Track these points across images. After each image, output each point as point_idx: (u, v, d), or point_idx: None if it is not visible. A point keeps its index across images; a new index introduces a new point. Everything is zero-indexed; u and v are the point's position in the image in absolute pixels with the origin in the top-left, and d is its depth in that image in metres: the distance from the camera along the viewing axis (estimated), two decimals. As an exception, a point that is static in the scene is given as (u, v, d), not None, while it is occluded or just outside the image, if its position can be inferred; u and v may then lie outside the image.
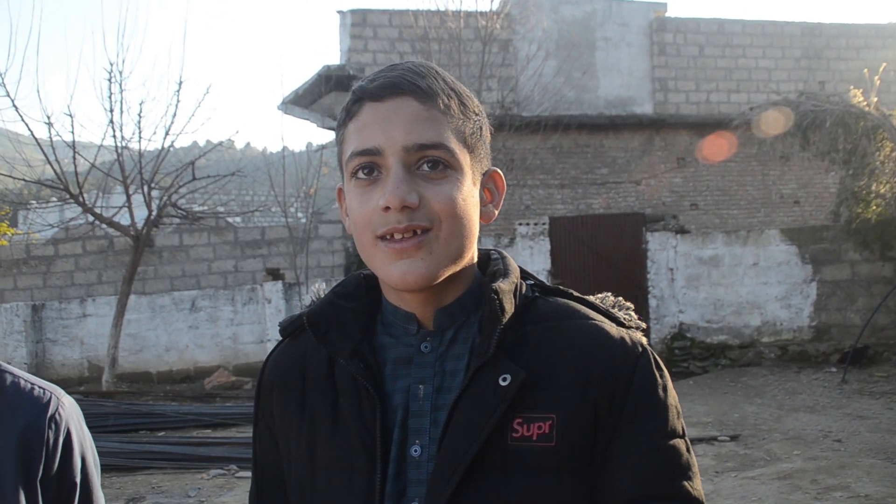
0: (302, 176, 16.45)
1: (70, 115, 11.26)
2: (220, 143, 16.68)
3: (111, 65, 11.52)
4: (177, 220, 12.96)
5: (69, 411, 1.36)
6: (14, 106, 11.12)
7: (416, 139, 0.98)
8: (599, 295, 1.16)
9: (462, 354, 1.05)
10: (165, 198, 11.60)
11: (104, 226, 12.06)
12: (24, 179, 12.63)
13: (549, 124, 15.06)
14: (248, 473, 5.48)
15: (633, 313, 1.12)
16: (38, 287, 14.65)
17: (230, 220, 16.34)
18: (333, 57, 18.88)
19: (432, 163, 1.00)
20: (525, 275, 1.13)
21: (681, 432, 1.04)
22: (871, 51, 17.63)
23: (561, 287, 1.13)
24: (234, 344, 12.36)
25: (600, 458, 1.01)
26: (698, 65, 16.98)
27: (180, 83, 11.80)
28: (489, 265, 1.13)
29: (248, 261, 14.90)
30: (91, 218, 11.67)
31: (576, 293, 1.12)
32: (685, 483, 1.01)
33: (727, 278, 12.16)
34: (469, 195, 1.03)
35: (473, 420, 0.99)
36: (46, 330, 12.33)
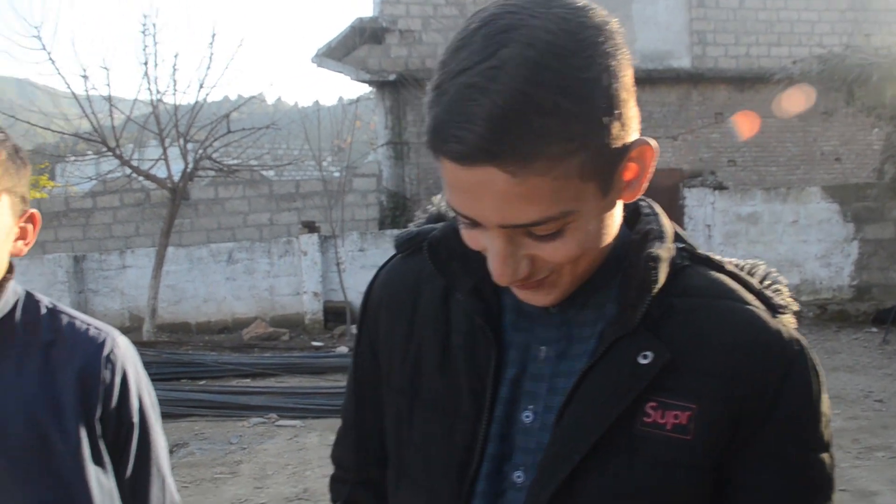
0: (336, 129, 16.42)
1: (105, 69, 11.29)
2: (254, 97, 16.67)
3: (145, 17, 11.52)
4: (212, 173, 13.03)
5: (124, 352, 1.36)
6: (51, 59, 11.19)
7: (513, 221, 0.79)
8: (748, 262, 1.01)
9: (594, 321, 0.93)
10: (201, 151, 11.64)
11: (141, 179, 12.15)
12: (61, 132, 12.75)
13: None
14: (288, 422, 5.55)
15: (784, 288, 0.98)
16: (77, 239, 14.87)
17: (264, 173, 16.41)
18: (366, 9, 18.66)
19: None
20: (675, 236, 0.97)
21: (828, 443, 0.92)
22: (920, 2, 17.08)
23: (711, 256, 0.97)
24: (270, 296, 12.48)
25: (733, 464, 0.90)
26: (738, 17, 16.55)
27: (213, 36, 11.78)
28: (639, 221, 0.97)
29: (282, 214, 14.98)
30: (128, 171, 11.76)
31: (728, 264, 0.97)
32: None
33: (766, 236, 12.00)
34: (595, 222, 0.85)
35: (604, 397, 0.88)
36: (88, 280, 12.52)
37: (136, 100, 12.00)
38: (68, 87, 11.18)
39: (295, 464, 5.85)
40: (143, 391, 1.39)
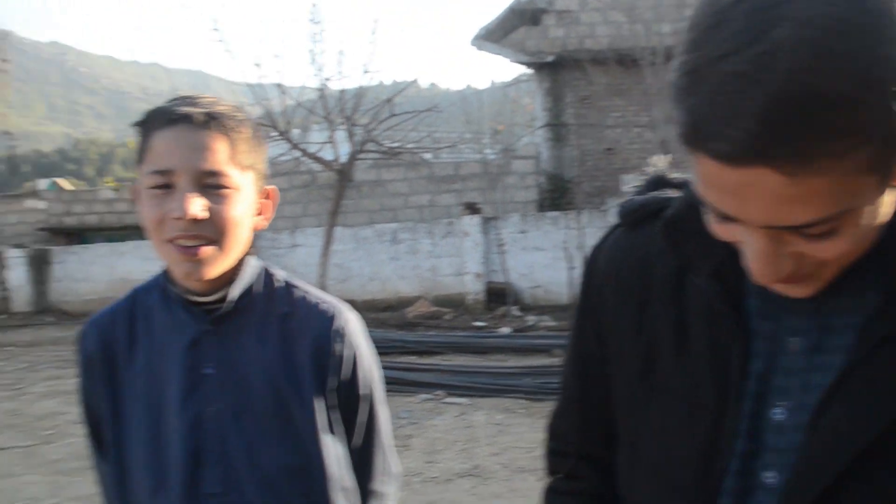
0: (493, 112, 16.46)
1: (278, 57, 11.82)
2: (410, 82, 16.98)
3: (314, 5, 11.96)
4: (375, 156, 13.39)
5: (354, 326, 1.39)
6: (229, 51, 11.86)
7: (783, 222, 0.70)
8: None
9: (852, 309, 0.82)
10: (365, 133, 11.98)
11: (307, 161, 12.65)
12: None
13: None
14: (456, 400, 5.58)
15: None
16: (252, 218, 15.73)
17: (424, 156, 16.68)
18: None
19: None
20: None
21: None
22: None
23: None
24: (433, 276, 12.72)
25: None
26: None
27: (376, 21, 12.08)
28: None
29: (442, 195, 15.19)
30: (295, 154, 12.28)
31: None
32: None
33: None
34: (871, 215, 0.74)
35: (871, 399, 0.78)
36: (261, 258, 13.13)
37: (303, 86, 12.51)
38: (242, 75, 11.77)
39: (464, 440, 5.94)
40: (371, 365, 1.43)
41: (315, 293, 1.40)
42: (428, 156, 18.67)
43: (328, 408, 1.33)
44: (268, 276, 1.37)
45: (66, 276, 14.74)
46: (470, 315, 11.87)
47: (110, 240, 16.47)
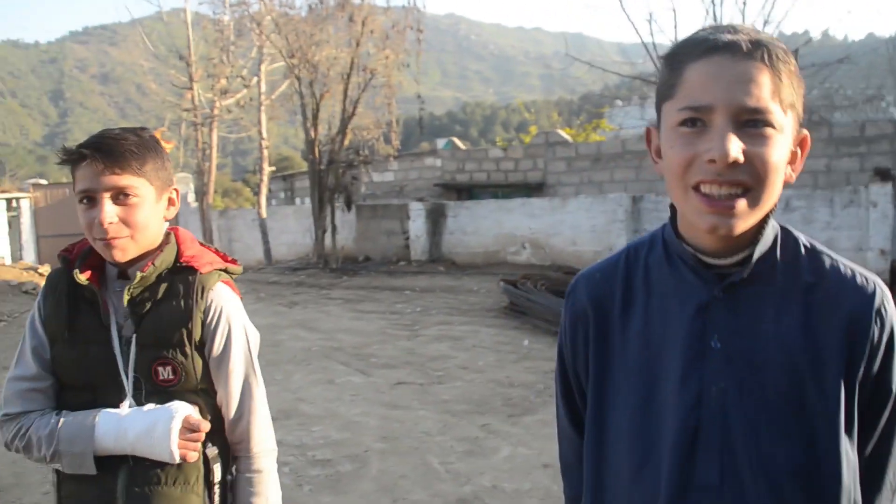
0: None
1: (673, 10, 11.40)
2: (804, 33, 15.38)
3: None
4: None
5: (892, 306, 1.14)
6: (623, 9, 11.69)
7: None
8: None
9: None
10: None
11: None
12: (618, 73, 13.34)
13: None
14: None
15: None
16: (631, 180, 15.57)
17: (823, 115, 15.13)
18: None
19: None
20: None
21: None
22: None
23: None
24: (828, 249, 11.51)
25: None
26: None
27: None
28: None
29: (842, 160, 13.66)
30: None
31: None
32: None
33: None
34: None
35: None
36: (644, 220, 12.99)
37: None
38: (636, 32, 11.52)
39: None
40: None
41: (847, 263, 1.18)
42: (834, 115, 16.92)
43: (853, 402, 1.11)
44: (790, 239, 1.18)
45: (458, 229, 15.91)
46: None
47: (495, 196, 17.44)
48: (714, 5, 11.25)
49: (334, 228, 16.83)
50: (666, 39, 11.37)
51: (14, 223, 21.80)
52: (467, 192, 18.98)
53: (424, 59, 18.30)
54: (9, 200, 21.88)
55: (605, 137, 16.92)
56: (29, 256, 21.16)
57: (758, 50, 1.04)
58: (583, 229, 13.62)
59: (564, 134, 18.25)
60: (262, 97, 20.40)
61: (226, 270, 1.76)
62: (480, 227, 15.49)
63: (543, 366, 7.39)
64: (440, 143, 21.53)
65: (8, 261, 19.03)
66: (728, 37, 1.05)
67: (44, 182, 24.54)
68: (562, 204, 14.11)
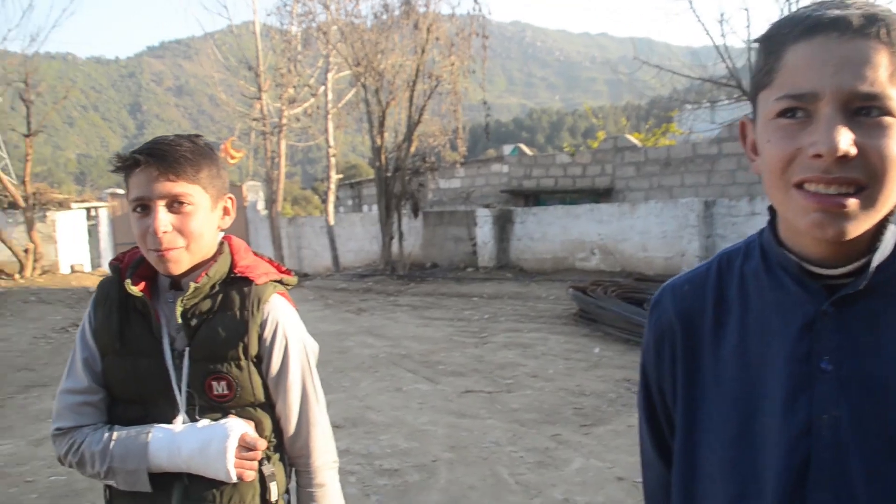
0: None
1: (745, 10, 11.05)
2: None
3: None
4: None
5: None
6: (693, 9, 11.39)
7: None
8: None
9: None
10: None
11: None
12: (689, 76, 13.02)
13: None
14: None
15: None
16: (702, 184, 15.17)
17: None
18: None
19: None
20: None
21: None
22: None
23: None
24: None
25: None
26: None
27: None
28: None
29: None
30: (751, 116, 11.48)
31: None
32: None
33: None
34: None
35: None
36: (717, 226, 12.63)
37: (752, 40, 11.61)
38: (707, 33, 11.24)
39: None
40: None
41: None
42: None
43: None
44: None
45: (525, 235, 15.76)
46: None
47: (563, 202, 17.23)
48: (790, 3, 10.78)
49: (401, 235, 16.88)
50: (738, 41, 11.05)
51: (93, 231, 22.52)
52: (534, 198, 18.80)
53: (490, 66, 18.21)
54: (88, 210, 22.61)
55: (674, 142, 16.54)
56: (107, 264, 21.82)
57: (872, 25, 0.88)
58: (653, 235, 13.32)
59: (633, 139, 17.95)
60: (329, 106, 20.64)
61: (281, 282, 1.69)
62: (548, 233, 15.30)
63: (615, 374, 7.20)
64: (507, 149, 21.41)
65: (87, 268, 19.65)
66: (835, 12, 0.90)
67: (121, 192, 25.31)
68: (631, 209, 13.84)
